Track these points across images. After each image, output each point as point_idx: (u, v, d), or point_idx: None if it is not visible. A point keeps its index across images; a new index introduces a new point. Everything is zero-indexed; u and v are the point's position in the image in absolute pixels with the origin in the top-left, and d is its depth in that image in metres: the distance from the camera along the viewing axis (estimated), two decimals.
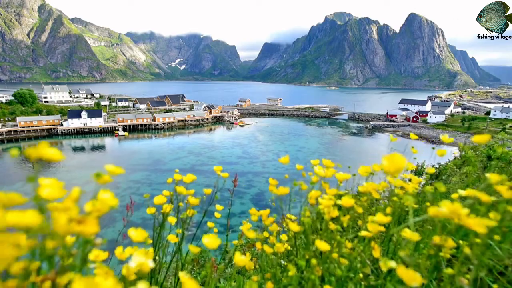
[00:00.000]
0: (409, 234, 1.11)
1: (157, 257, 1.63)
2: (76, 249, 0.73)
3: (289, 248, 1.59)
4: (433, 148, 1.91)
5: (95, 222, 0.70)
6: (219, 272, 1.64)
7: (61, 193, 0.68)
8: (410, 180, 1.74)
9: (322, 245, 1.22)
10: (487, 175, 1.07)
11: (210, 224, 1.88)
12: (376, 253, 1.32)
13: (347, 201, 1.40)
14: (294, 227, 1.44)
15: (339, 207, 1.48)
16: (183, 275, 0.85)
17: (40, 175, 0.60)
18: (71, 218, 0.67)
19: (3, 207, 0.60)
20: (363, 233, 1.32)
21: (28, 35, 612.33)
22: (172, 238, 1.61)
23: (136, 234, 1.14)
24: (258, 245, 1.55)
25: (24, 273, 0.64)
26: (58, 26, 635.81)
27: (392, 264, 1.02)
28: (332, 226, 1.44)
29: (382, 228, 1.32)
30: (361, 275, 1.29)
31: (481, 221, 0.94)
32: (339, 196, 1.52)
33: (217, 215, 1.89)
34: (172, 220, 1.67)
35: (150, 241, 1.48)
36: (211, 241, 1.15)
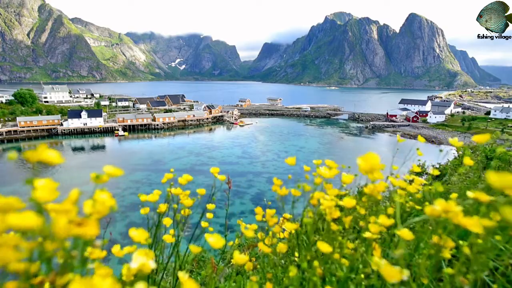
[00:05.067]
0: (404, 233, 1.10)
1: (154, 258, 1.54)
2: (75, 251, 0.72)
3: (287, 248, 1.56)
4: (417, 149, 1.89)
5: (95, 224, 0.69)
6: (219, 272, 1.62)
7: (54, 195, 0.67)
8: (412, 181, 1.73)
9: (323, 246, 1.21)
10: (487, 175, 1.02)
11: (204, 223, 1.83)
12: (377, 253, 1.32)
13: (348, 202, 1.38)
14: (290, 226, 1.42)
15: (341, 208, 1.47)
16: (182, 275, 0.83)
17: (40, 175, 0.62)
18: (70, 220, 0.67)
19: (2, 212, 0.60)
20: (366, 234, 1.30)
21: (28, 35, 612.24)
22: (168, 238, 1.58)
23: (137, 234, 1.11)
24: (261, 245, 1.54)
25: (25, 275, 0.64)
26: (58, 26, 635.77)
27: (382, 262, 1.02)
28: (334, 226, 1.43)
29: (384, 229, 1.32)
30: (362, 275, 1.28)
31: (477, 221, 0.94)
32: (341, 197, 1.51)
33: (209, 215, 1.83)
34: (167, 221, 1.63)
35: (149, 240, 1.46)
36: (215, 241, 1.13)
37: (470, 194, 1.04)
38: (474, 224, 0.94)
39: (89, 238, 0.70)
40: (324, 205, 1.42)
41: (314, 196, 1.51)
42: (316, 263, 1.27)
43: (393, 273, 0.90)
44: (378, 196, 1.45)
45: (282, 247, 1.48)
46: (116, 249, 1.36)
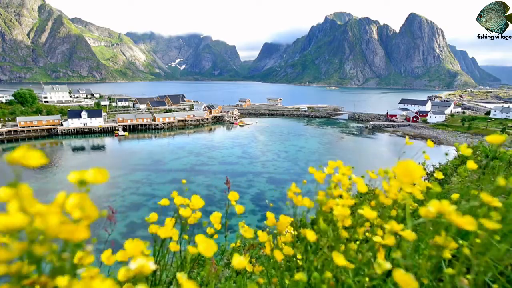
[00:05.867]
0: (407, 234, 1.07)
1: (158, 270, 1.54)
2: (66, 253, 0.71)
3: (293, 252, 1.51)
4: (424, 152, 1.89)
5: (85, 228, 0.68)
6: (219, 272, 1.61)
7: (30, 206, 0.64)
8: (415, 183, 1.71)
9: (339, 259, 1.16)
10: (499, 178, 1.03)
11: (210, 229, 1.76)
12: (381, 256, 1.28)
13: (369, 213, 1.29)
14: (311, 236, 1.32)
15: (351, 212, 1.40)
16: (181, 276, 0.81)
17: (38, 175, 0.64)
18: (59, 222, 0.65)
19: None
20: (376, 239, 1.26)
21: (28, 35, 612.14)
22: (173, 247, 1.52)
23: (131, 246, 0.99)
24: (267, 249, 1.50)
25: (17, 277, 0.63)
26: (58, 26, 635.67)
27: (388, 265, 0.99)
28: (344, 234, 1.38)
29: (393, 236, 1.27)
30: (367, 279, 1.24)
31: (470, 219, 0.92)
32: (353, 205, 1.45)
33: (209, 230, 1.74)
34: (174, 247, 1.54)
35: (149, 251, 1.40)
36: (206, 247, 1.01)
37: (482, 196, 1.00)
38: (468, 223, 0.93)
39: (79, 242, 0.69)
40: (337, 211, 1.34)
41: (328, 204, 1.44)
42: (328, 274, 1.21)
43: (410, 282, 0.86)
44: (388, 202, 1.40)
45: (288, 251, 1.42)
46: (106, 255, 1.24)
